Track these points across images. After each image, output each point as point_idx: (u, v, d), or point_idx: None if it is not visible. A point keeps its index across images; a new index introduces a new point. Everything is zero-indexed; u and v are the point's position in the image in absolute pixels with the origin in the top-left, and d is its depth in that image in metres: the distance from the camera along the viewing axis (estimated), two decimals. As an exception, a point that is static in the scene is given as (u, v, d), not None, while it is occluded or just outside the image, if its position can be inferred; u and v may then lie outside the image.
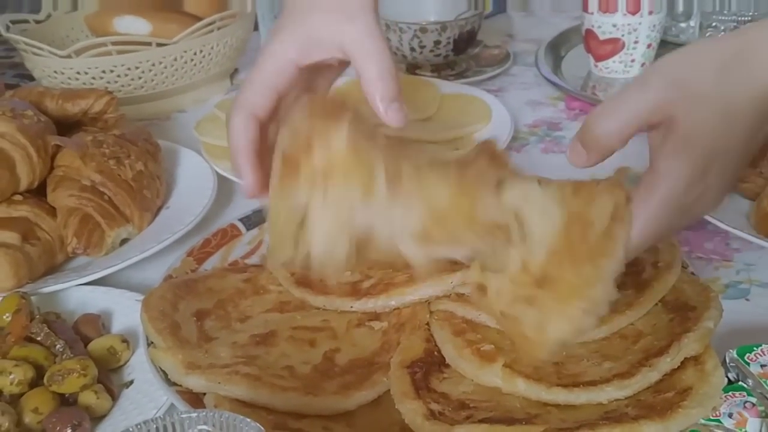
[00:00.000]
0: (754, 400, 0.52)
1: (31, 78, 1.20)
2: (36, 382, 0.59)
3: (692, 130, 0.49)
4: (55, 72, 1.08)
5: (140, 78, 1.09)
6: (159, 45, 1.08)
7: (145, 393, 0.60)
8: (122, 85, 1.09)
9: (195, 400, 0.55)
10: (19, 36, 1.09)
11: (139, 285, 0.75)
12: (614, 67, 1.14)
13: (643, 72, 0.49)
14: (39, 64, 1.09)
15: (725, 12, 0.98)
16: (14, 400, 0.58)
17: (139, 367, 0.62)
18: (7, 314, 0.63)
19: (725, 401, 0.52)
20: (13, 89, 0.96)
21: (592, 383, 0.53)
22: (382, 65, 0.59)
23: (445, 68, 1.20)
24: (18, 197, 0.78)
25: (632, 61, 1.13)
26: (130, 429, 0.42)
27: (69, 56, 1.06)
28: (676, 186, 0.49)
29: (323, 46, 0.60)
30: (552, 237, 0.51)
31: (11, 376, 0.58)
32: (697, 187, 0.50)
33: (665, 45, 1.19)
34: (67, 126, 0.90)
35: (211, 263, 0.73)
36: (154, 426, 0.42)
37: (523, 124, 1.05)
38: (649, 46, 1.12)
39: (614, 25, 1.09)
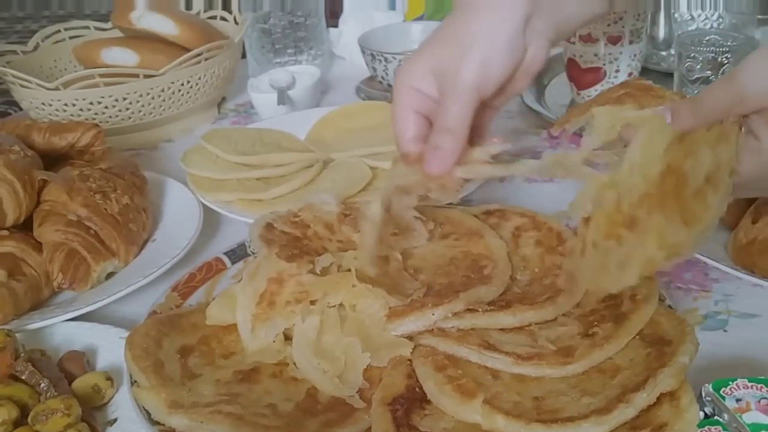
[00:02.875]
0: (729, 434, 0.53)
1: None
2: (20, 422, 0.60)
3: None
4: (43, 104, 1.09)
5: (128, 109, 1.10)
6: (146, 76, 1.09)
7: (129, 432, 0.60)
8: (110, 117, 1.10)
9: (178, 439, 0.56)
10: (6, 68, 1.10)
11: (124, 318, 0.75)
12: (596, 96, 1.15)
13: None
14: (27, 96, 1.10)
15: (704, 42, 1.00)
16: (-2, 441, 0.58)
17: (123, 404, 0.63)
18: (-8, 353, 0.64)
19: (701, 436, 0.53)
20: (2, 118, 0.97)
21: (571, 419, 0.53)
22: None
23: (430, 96, 1.21)
24: (4, 232, 0.79)
25: (614, 89, 1.14)
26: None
27: (57, 88, 1.07)
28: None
29: None
30: (648, 179, 0.56)
31: (-5, 416, 0.58)
32: None
33: (646, 72, 1.21)
34: (54, 159, 0.91)
35: (196, 298, 0.74)
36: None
37: (506, 153, 1.06)
38: (630, 74, 1.13)
39: (596, 55, 1.11)
